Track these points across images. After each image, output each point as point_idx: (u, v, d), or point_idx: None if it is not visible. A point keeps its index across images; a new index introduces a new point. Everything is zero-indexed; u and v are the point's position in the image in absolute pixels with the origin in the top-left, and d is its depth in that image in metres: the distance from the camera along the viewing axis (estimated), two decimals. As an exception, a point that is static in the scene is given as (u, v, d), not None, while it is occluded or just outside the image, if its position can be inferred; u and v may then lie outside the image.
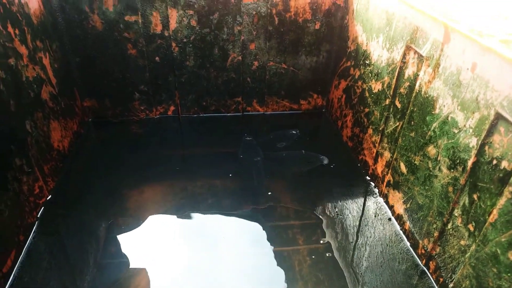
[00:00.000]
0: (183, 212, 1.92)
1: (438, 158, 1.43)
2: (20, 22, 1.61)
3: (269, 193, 2.04)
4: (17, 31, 1.57)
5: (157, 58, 2.28)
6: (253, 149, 2.31)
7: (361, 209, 1.95)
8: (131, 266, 1.64)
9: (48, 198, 1.67)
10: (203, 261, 1.69)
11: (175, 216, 1.90)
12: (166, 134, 2.44)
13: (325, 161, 2.18)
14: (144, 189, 2.05)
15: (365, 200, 1.98)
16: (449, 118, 1.37)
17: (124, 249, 1.72)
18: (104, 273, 1.61)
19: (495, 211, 1.14)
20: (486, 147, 1.20)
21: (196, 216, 1.91)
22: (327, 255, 1.73)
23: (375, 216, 1.88)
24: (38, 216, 1.54)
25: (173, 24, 2.19)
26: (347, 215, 1.92)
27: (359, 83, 2.08)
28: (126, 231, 1.80)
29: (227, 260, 1.69)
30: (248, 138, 2.36)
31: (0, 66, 1.42)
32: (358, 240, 1.80)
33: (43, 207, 1.59)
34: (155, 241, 1.76)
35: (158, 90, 2.40)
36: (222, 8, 2.18)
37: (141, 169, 2.18)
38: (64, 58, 2.10)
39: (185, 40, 2.25)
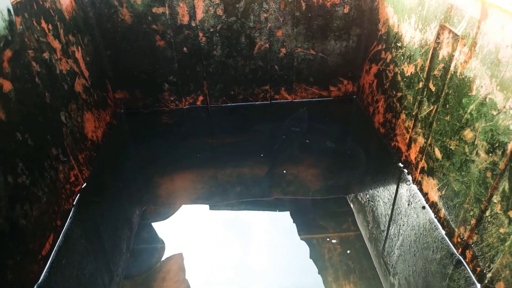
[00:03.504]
0: (212, 199, 1.95)
1: (476, 142, 1.35)
2: (53, 18, 1.66)
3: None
4: (50, 26, 1.62)
5: (185, 49, 2.30)
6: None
7: (393, 196, 1.89)
8: (163, 251, 1.69)
9: (83, 186, 1.74)
10: (233, 248, 1.70)
11: (204, 204, 1.93)
12: (195, 124, 2.46)
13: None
14: (175, 178, 2.09)
15: (397, 188, 1.92)
16: (487, 100, 1.29)
17: (156, 235, 1.76)
18: (136, 258, 1.66)
19: (538, 197, 1.07)
20: (528, 129, 1.12)
21: (225, 204, 1.93)
22: (358, 243, 1.70)
23: (408, 204, 1.82)
24: (74, 203, 1.61)
25: (199, 14, 2.20)
26: (379, 203, 1.87)
27: (391, 67, 2.00)
28: (158, 218, 1.85)
29: (257, 247, 1.70)
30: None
31: (35, 60, 1.47)
32: (390, 229, 1.75)
33: (78, 195, 1.65)
34: (185, 228, 1.80)
35: (186, 81, 2.42)
36: (248, -5, 2.16)
37: (171, 158, 2.22)
38: (96, 52, 2.16)
39: (212, 30, 2.25)
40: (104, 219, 1.75)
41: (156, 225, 1.83)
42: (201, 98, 2.51)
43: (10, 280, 1.17)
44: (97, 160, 2.02)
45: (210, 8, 2.18)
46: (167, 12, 2.17)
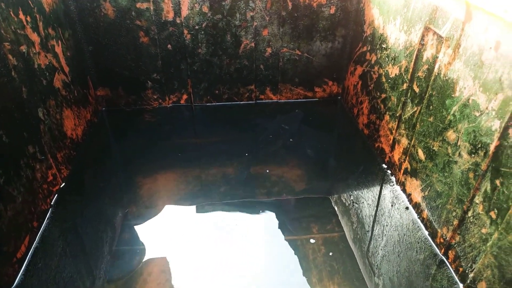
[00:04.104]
0: (196, 200, 1.92)
1: (458, 143, 1.37)
2: (32, 9, 1.60)
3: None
4: (28, 18, 1.56)
5: (169, 46, 2.26)
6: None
7: (377, 197, 1.90)
8: (145, 253, 1.64)
9: (61, 186, 1.68)
10: (216, 250, 1.68)
11: (188, 204, 1.90)
12: (179, 123, 2.43)
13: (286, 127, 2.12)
14: (158, 177, 2.05)
15: (381, 189, 1.93)
16: (470, 101, 1.30)
17: (139, 236, 1.72)
18: (117, 260, 1.61)
19: (519, 198, 1.08)
20: (510, 130, 1.13)
21: (209, 204, 1.90)
22: (342, 244, 1.70)
23: (392, 205, 1.83)
24: (52, 203, 1.55)
25: (184, 11, 2.16)
26: (363, 204, 1.88)
27: (376, 68, 2.02)
28: (141, 219, 1.81)
29: (241, 249, 1.68)
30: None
31: (12, 53, 1.42)
32: (374, 230, 1.75)
33: (56, 195, 1.60)
34: (168, 229, 1.76)
35: (170, 79, 2.38)
36: (234, -7, 2.14)
37: (154, 157, 2.18)
38: (77, 47, 2.10)
39: (197, 27, 2.22)
40: (84, 220, 1.70)
41: (138, 227, 1.78)
42: (185, 96, 2.47)
43: (-19, 283, 1.12)
44: (77, 159, 1.96)
45: (195, 5, 2.15)
46: (152, 8, 2.13)
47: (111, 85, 2.36)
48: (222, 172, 2.10)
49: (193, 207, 1.91)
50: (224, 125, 2.42)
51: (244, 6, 2.18)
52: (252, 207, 1.91)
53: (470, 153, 1.31)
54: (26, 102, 1.48)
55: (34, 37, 1.60)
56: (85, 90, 2.19)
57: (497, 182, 1.19)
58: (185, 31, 2.23)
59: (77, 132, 2.00)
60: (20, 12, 1.50)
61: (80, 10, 2.08)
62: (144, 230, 1.76)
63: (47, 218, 1.49)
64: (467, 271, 1.35)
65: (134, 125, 2.39)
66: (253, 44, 2.32)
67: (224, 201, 1.93)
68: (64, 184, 1.71)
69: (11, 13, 1.44)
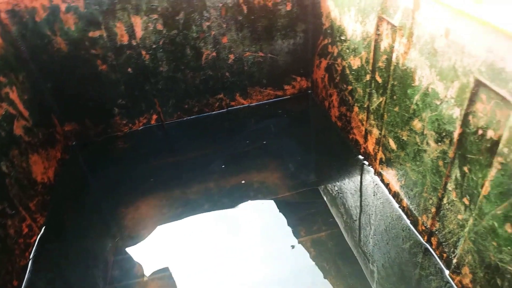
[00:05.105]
0: (181, 222, 1.90)
1: (425, 132, 1.37)
2: (-24, 61, 1.55)
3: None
4: (-26, 72, 1.51)
5: (129, 69, 2.22)
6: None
7: (359, 188, 1.90)
8: (141, 286, 1.63)
9: (40, 235, 1.65)
10: (211, 267, 1.67)
11: (174, 228, 1.88)
12: (153, 144, 2.39)
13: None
14: (140, 205, 2.02)
15: (361, 179, 1.93)
16: (430, 90, 1.30)
17: (129, 271, 1.70)
18: (109, 300, 1.60)
19: (487, 183, 1.09)
20: (470, 117, 1.13)
21: (195, 224, 1.88)
22: (330, 243, 1.70)
23: (374, 194, 1.84)
24: (31, 256, 1.52)
25: (139, 32, 2.11)
26: (347, 194, 1.89)
27: (339, 60, 2.00)
28: (128, 252, 1.78)
29: (233, 263, 1.67)
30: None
31: (-39, 112, 1.37)
32: (362, 220, 1.76)
33: (36, 245, 1.57)
34: (158, 257, 1.74)
35: (137, 102, 2.34)
36: (186, 6, 2.09)
37: (133, 184, 2.15)
38: (34, 87, 2.04)
39: (154, 46, 2.17)
40: (70, 264, 1.67)
41: (128, 260, 1.76)
42: (154, 116, 2.43)
43: None
44: (53, 203, 1.92)
45: (149, 24, 2.10)
46: (105, 35, 2.07)
47: (77, 118, 2.31)
48: (203, 188, 2.08)
49: (180, 230, 1.89)
50: (199, 139, 2.40)
51: (199, 17, 2.14)
52: (239, 218, 1.90)
53: (436, 141, 1.31)
54: (-14, 159, 1.44)
55: (-16, 90, 1.55)
56: (51, 129, 2.14)
57: (465, 169, 1.19)
58: (143, 52, 2.18)
59: (48, 175, 1.95)
60: (-37, 68, 1.45)
61: (31, 49, 2.02)
62: (134, 263, 1.74)
63: (28, 272, 1.46)
64: (450, 257, 1.36)
65: (107, 154, 2.35)
66: (214, 53, 2.28)
67: (210, 218, 1.92)
68: (42, 231, 1.68)
69: (-47, 72, 1.39)
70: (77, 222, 1.90)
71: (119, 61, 2.17)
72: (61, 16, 1.96)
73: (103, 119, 2.34)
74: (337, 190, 1.95)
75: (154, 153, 2.32)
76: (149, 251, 1.77)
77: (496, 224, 1.08)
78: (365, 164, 1.95)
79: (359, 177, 1.96)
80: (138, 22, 2.09)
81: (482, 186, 1.12)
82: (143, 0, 2.01)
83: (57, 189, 1.90)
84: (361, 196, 1.87)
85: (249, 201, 1.95)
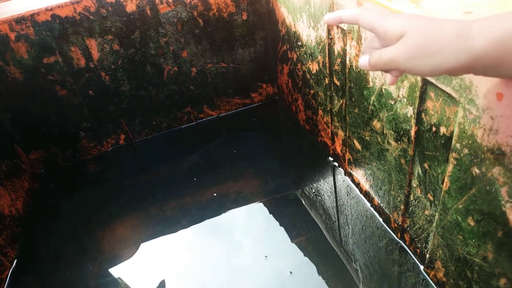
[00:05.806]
0: (159, 241, 1.87)
1: (384, 132, 1.38)
2: None
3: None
4: None
5: (90, 92, 2.17)
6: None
7: (333, 189, 1.91)
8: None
9: (12, 269, 1.59)
10: (192, 283, 1.65)
11: (152, 247, 1.85)
12: (124, 164, 2.35)
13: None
14: (116, 227, 1.98)
15: (334, 180, 1.94)
16: (383, 90, 1.31)
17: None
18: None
19: (446, 179, 1.10)
20: (423, 115, 1.15)
21: (175, 239, 1.86)
22: (311, 246, 1.70)
23: (347, 194, 1.85)
24: (2, 294, 1.47)
25: (95, 54, 2.07)
26: (323, 196, 1.90)
27: (299, 65, 2.01)
28: (106, 277, 1.75)
29: (215, 275, 1.66)
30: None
31: None
32: (340, 220, 1.78)
33: (8, 279, 1.51)
34: (139, 279, 1.71)
35: (102, 123, 2.29)
36: (140, 24, 2.06)
37: (107, 206, 2.10)
38: (-8, 120, 1.98)
39: (113, 67, 2.14)
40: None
41: (111, 282, 1.72)
42: (122, 136, 2.39)
43: None
44: (24, 234, 1.86)
45: (104, 45, 2.07)
46: (60, 60, 2.02)
47: (42, 145, 2.25)
48: (179, 204, 2.05)
49: (160, 247, 1.86)
50: (171, 154, 2.37)
51: (155, 34, 2.11)
52: (218, 229, 1.89)
53: (396, 140, 1.32)
54: None
55: None
56: (15, 160, 2.08)
57: (426, 165, 1.21)
58: (103, 73, 2.14)
59: (16, 207, 1.89)
60: None
61: (-16, 81, 1.96)
62: (116, 285, 1.71)
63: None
64: (423, 252, 1.37)
65: (79, 179, 2.30)
66: (176, 68, 2.26)
67: (189, 232, 1.90)
68: (14, 265, 1.62)
69: None
70: (52, 251, 1.85)
71: (79, 85, 2.12)
72: (12, 45, 1.90)
73: (70, 144, 2.28)
74: (312, 193, 1.95)
75: (127, 173, 2.28)
76: (128, 274, 1.74)
77: (459, 218, 1.10)
78: (335, 165, 1.96)
79: (331, 179, 1.97)
80: (93, 45, 2.05)
81: (442, 182, 1.14)
82: (96, 22, 1.97)
83: (28, 220, 1.84)
84: (336, 197, 1.88)
85: (227, 212, 1.94)
